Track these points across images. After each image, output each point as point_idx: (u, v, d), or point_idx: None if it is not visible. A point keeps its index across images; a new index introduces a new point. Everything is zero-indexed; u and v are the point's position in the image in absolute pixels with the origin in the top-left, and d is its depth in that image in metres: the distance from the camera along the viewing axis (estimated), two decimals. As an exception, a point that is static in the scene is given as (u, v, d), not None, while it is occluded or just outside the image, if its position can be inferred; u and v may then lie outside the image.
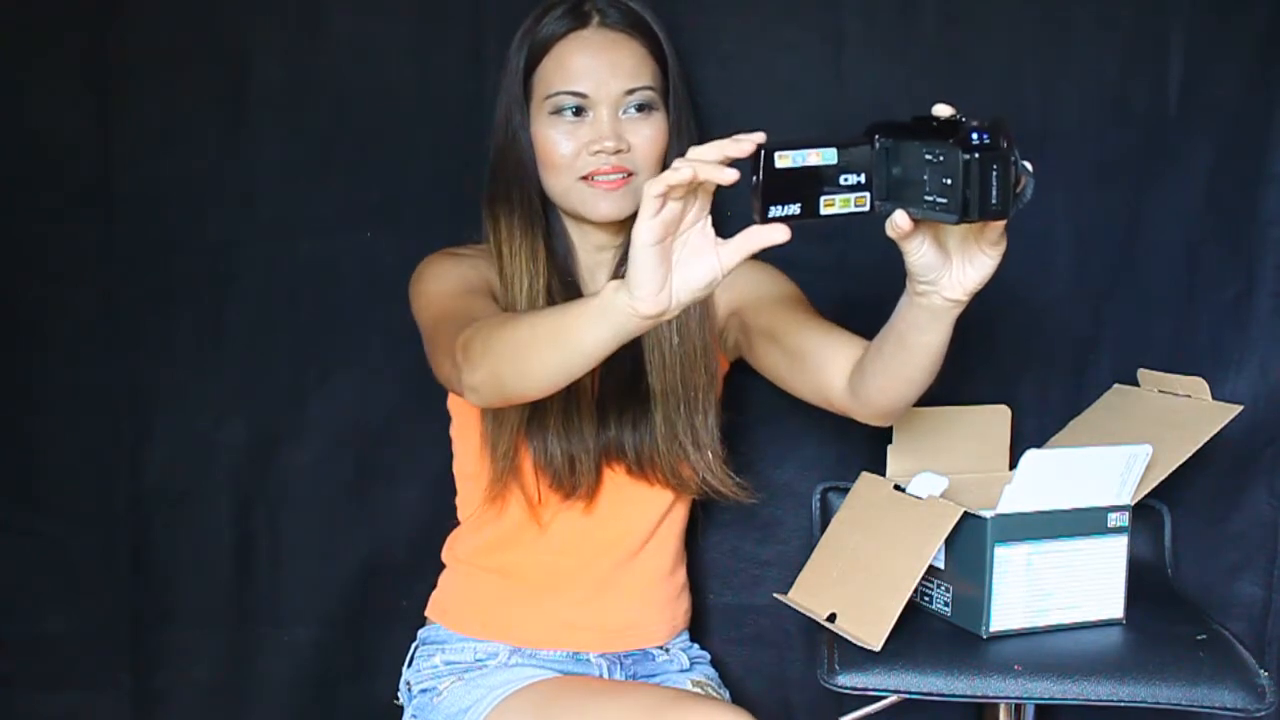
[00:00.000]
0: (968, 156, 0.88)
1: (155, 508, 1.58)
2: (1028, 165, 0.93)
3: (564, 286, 1.36)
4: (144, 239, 1.55)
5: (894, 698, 1.28)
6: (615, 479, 1.35)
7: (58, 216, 1.55)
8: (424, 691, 1.37)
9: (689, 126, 1.37)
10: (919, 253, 0.99)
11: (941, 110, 0.93)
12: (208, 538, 1.58)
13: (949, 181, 0.89)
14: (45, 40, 1.53)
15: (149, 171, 1.55)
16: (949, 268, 1.01)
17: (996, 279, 1.54)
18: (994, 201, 0.90)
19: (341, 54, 1.54)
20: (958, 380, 1.55)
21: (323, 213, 1.55)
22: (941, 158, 0.90)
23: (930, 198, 0.91)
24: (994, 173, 0.89)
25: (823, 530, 1.43)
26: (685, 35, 1.51)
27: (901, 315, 1.08)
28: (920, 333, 1.08)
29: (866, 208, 0.92)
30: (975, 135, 0.89)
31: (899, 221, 0.94)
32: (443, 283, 1.32)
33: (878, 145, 0.92)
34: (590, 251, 1.39)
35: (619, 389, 1.33)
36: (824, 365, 1.23)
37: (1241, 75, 1.51)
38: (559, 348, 1.03)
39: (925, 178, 0.91)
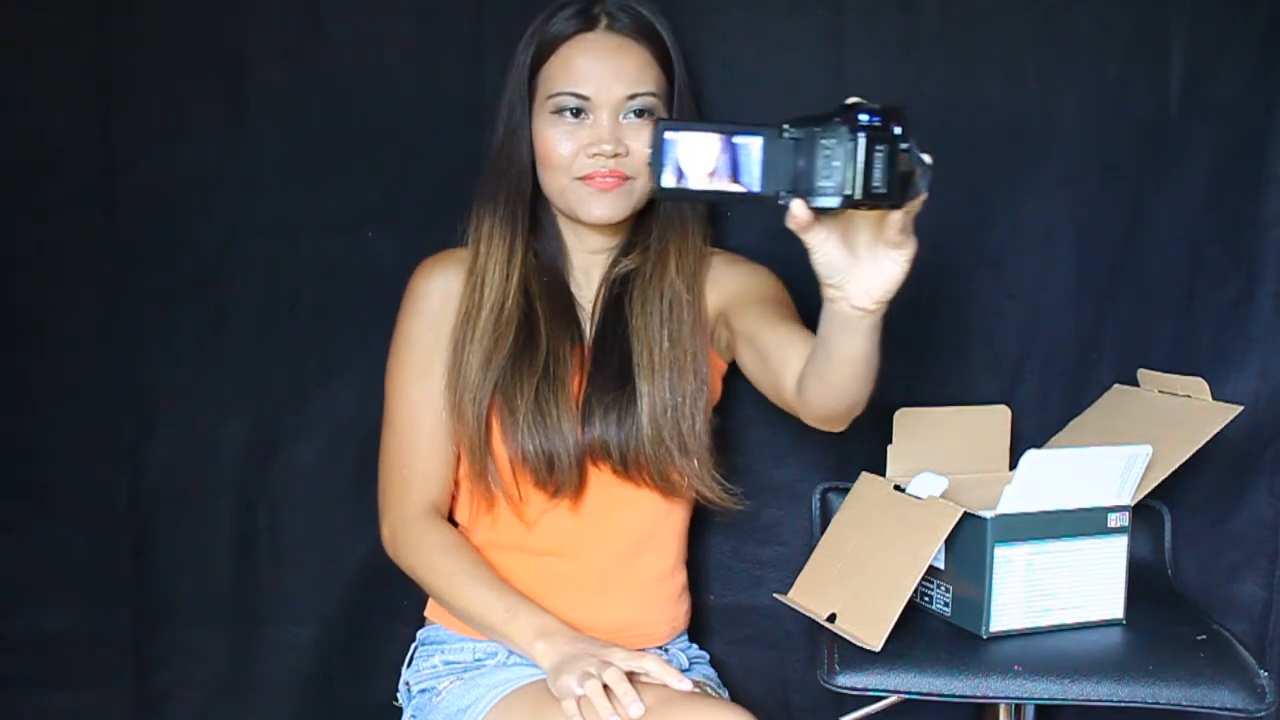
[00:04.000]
0: (851, 136, 0.87)
1: (156, 507, 1.58)
2: (925, 158, 0.91)
3: (545, 288, 1.36)
4: (144, 239, 1.55)
5: (894, 698, 1.28)
6: (601, 478, 1.35)
7: (58, 216, 1.55)
8: (423, 692, 1.37)
9: None
10: (822, 250, 0.96)
11: (852, 101, 0.91)
12: (209, 537, 1.58)
13: (836, 164, 0.88)
14: (45, 40, 1.53)
15: (149, 171, 1.55)
16: (857, 272, 0.98)
17: (998, 277, 1.55)
18: (876, 184, 0.88)
19: (341, 54, 1.54)
20: (958, 380, 1.56)
21: (323, 212, 1.55)
22: (832, 141, 0.88)
23: (822, 183, 0.89)
24: (878, 154, 0.88)
25: (823, 530, 1.43)
26: (686, 35, 1.51)
27: (822, 321, 1.06)
28: (840, 341, 1.07)
29: (758, 189, 0.90)
30: (865, 116, 0.88)
31: (794, 211, 0.91)
32: (401, 373, 1.38)
33: (784, 135, 0.90)
34: (584, 254, 1.40)
35: (605, 389, 1.33)
36: (781, 365, 1.23)
37: (1241, 75, 1.51)
38: (478, 628, 1.33)
39: (818, 164, 0.89)
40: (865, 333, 1.04)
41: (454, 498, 1.42)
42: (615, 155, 1.30)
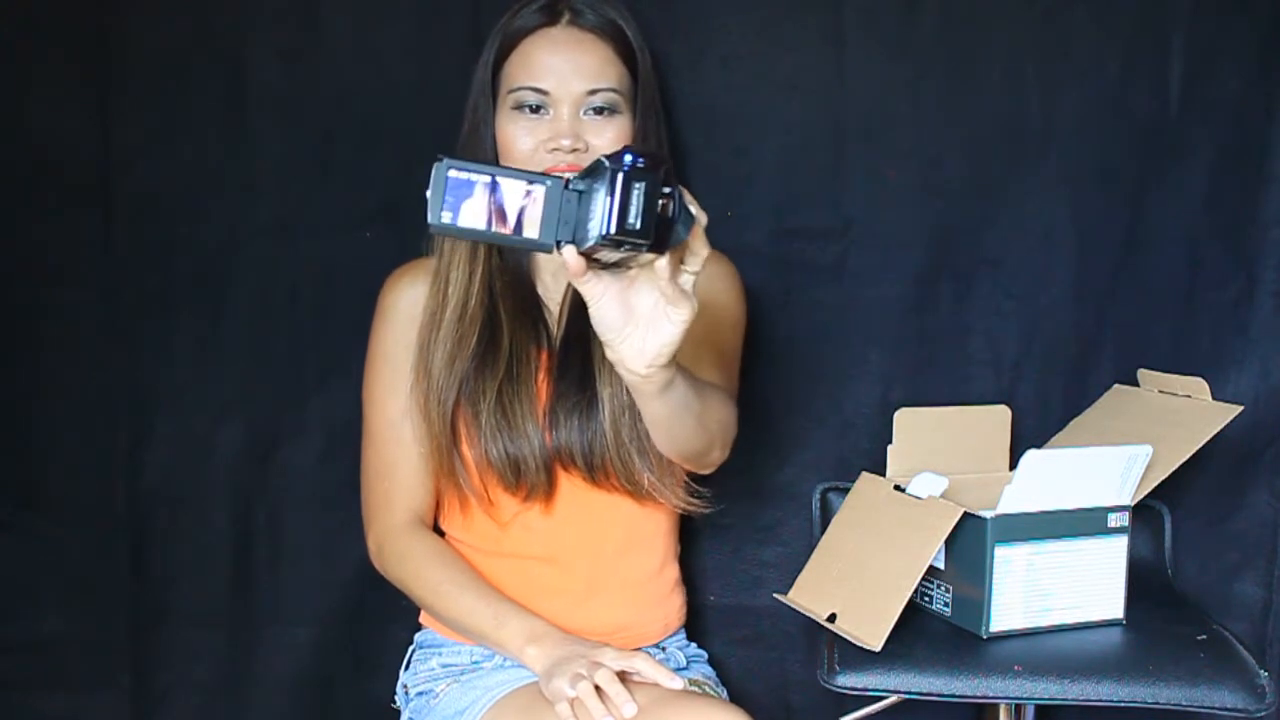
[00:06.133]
0: (610, 173, 0.88)
1: (155, 508, 1.58)
2: (693, 209, 0.93)
3: (508, 288, 1.35)
4: (143, 239, 1.55)
5: (894, 698, 1.28)
6: (573, 483, 1.33)
7: (57, 216, 1.55)
8: (421, 694, 1.37)
9: (657, 133, 1.35)
10: (598, 304, 0.96)
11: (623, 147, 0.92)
12: (207, 538, 1.58)
13: (597, 204, 0.89)
14: (45, 40, 1.53)
15: (148, 171, 1.55)
16: (632, 333, 0.98)
17: (998, 277, 1.55)
18: (631, 220, 0.88)
19: (341, 54, 1.54)
20: (958, 380, 1.56)
21: (322, 212, 1.55)
22: (598, 183, 0.90)
23: (589, 227, 0.90)
24: (635, 190, 0.88)
25: (823, 530, 1.43)
26: (686, 35, 1.51)
27: None
28: (638, 402, 1.09)
29: (536, 236, 0.91)
30: (629, 157, 0.89)
31: (565, 257, 0.92)
32: (376, 387, 1.38)
33: (570, 188, 0.91)
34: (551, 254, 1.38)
35: (569, 393, 1.31)
36: None
37: (1241, 75, 1.51)
38: (468, 636, 1.32)
39: (589, 209, 0.90)
40: (652, 397, 1.05)
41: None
42: (574, 150, 1.27)
